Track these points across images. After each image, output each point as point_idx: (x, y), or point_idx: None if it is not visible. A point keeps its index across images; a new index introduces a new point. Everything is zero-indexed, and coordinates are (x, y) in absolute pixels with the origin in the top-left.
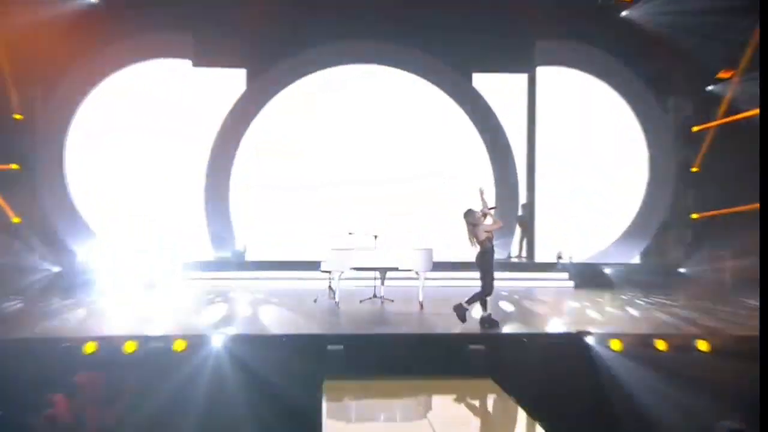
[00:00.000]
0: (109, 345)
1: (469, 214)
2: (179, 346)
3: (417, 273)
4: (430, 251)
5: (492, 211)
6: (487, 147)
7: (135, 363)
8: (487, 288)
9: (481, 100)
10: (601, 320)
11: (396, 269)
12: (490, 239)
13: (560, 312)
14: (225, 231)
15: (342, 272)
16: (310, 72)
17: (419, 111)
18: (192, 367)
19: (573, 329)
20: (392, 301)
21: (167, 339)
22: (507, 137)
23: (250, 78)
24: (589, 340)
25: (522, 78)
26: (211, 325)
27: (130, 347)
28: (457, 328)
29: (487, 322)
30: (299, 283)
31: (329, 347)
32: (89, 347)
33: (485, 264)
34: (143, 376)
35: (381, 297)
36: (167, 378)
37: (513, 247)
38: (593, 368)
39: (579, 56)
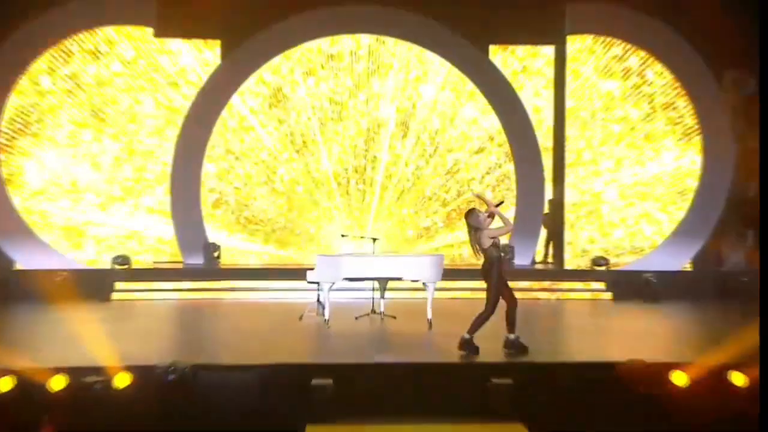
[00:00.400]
0: (29, 380)
1: (471, 216)
2: (122, 381)
3: (424, 284)
4: (440, 258)
5: (499, 209)
6: (506, 132)
7: (62, 404)
8: (490, 308)
9: (499, 76)
10: (655, 345)
11: (399, 280)
12: (496, 246)
13: (602, 332)
14: (195, 231)
15: (332, 283)
16: (296, 44)
17: (425, 89)
18: (137, 409)
19: (621, 357)
20: (394, 317)
21: (106, 372)
22: (530, 120)
23: (226, 51)
24: (645, 372)
25: (548, 50)
26: (166, 352)
27: (57, 383)
28: (478, 356)
29: (514, 346)
30: (284, 295)
31: (314, 382)
32: (2, 384)
33: (492, 278)
34: (74, 421)
35: (381, 313)
36: (105, 422)
37: (538, 251)
38: (651, 409)
39: (618, 22)
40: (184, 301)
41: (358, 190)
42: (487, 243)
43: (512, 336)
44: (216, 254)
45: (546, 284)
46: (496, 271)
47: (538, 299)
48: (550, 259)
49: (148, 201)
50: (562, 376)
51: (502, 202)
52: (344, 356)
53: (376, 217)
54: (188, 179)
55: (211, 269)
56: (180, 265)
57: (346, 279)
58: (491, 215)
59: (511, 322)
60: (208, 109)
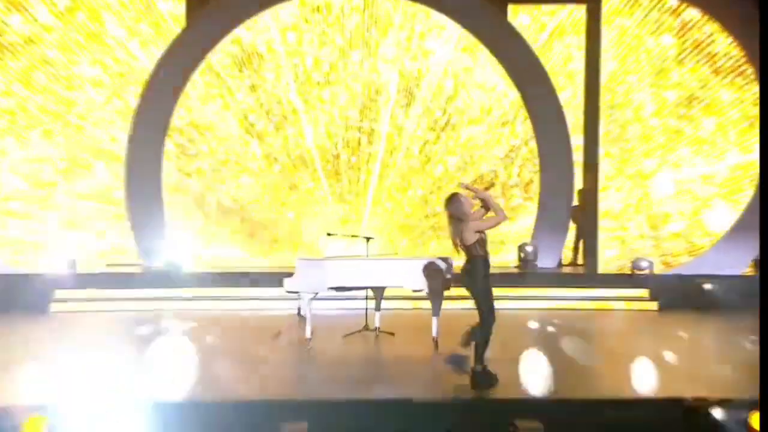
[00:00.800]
0: None
1: (452, 202)
2: (33, 427)
3: (428, 294)
4: (447, 261)
5: (488, 193)
6: (528, 108)
7: None
8: (488, 321)
9: (519, 41)
10: (721, 374)
11: (399, 287)
12: (482, 243)
13: (650, 356)
14: (156, 230)
15: (315, 294)
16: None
17: (435, 47)
18: None
19: (678, 391)
20: (393, 334)
21: (14, 414)
22: (554, 92)
23: (192, 12)
24: (712, 412)
25: (579, 10)
26: (97, 385)
27: None
28: (496, 387)
29: (482, 378)
30: (261, 305)
31: (288, 429)
32: None
33: (476, 282)
34: None
35: (376, 329)
36: None
37: (566, 251)
38: None
39: None
40: (140, 312)
41: (351, 169)
42: (471, 238)
43: (478, 366)
44: (180, 257)
45: (575, 291)
46: (481, 274)
47: (566, 310)
48: (580, 261)
49: (87, 186)
50: (605, 416)
51: (491, 185)
52: (327, 389)
53: (374, 201)
54: (147, 163)
55: (173, 275)
56: (137, 269)
57: (332, 289)
58: (485, 206)
59: (479, 350)
60: (172, 78)
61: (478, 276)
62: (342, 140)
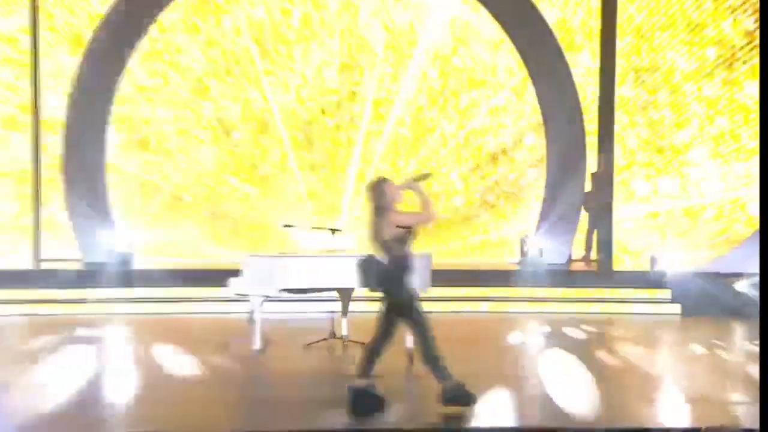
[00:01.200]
0: None
1: (375, 189)
2: None
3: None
4: (426, 258)
5: (421, 184)
6: (535, 84)
7: None
8: (387, 331)
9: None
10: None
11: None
12: (402, 240)
13: (676, 372)
14: (98, 219)
15: (265, 297)
16: None
17: (426, 7)
18: None
19: (705, 418)
20: (363, 344)
21: None
22: (562, 53)
23: None
24: None
25: None
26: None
27: None
28: (482, 412)
29: (364, 398)
30: (216, 308)
31: None
32: None
33: (391, 283)
34: None
35: (343, 337)
36: None
37: (576, 245)
38: None
39: None
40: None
41: (329, 138)
42: (388, 233)
43: (362, 382)
44: (125, 249)
45: (583, 292)
46: (398, 278)
47: (572, 314)
48: (593, 256)
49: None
50: None
51: (427, 175)
52: (279, 417)
53: (358, 179)
54: (89, 137)
55: (127, 272)
56: (75, 265)
57: (286, 291)
58: (423, 198)
59: (369, 361)
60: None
61: (394, 281)
62: (317, 106)
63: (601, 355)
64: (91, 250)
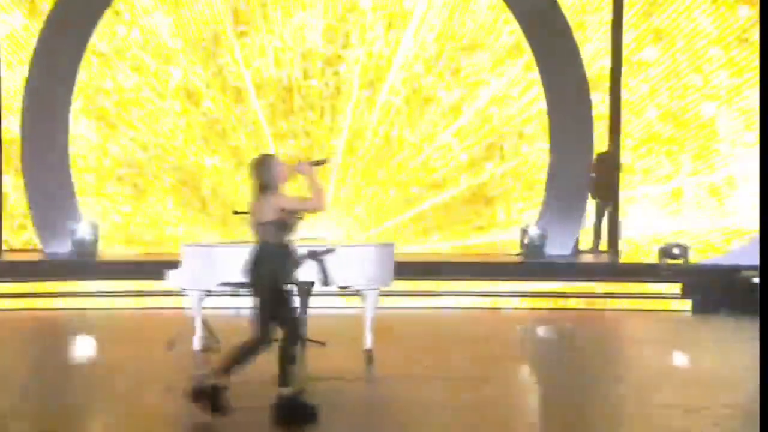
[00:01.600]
0: None
1: (259, 166)
2: None
3: (360, 292)
4: (383, 248)
5: (314, 170)
6: (538, 63)
7: None
8: (264, 333)
9: None
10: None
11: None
12: (285, 225)
13: (669, 381)
14: (58, 199)
15: (206, 292)
16: None
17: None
18: None
19: None
20: (323, 344)
21: None
22: (575, 44)
23: None
24: None
25: None
26: None
27: None
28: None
29: (292, 413)
30: (162, 302)
31: None
32: None
33: (263, 279)
34: None
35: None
36: None
37: (582, 234)
38: None
39: None
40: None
41: (311, 106)
42: (268, 214)
43: (285, 390)
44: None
45: (586, 286)
46: (272, 269)
47: (573, 310)
48: (601, 246)
49: None
50: None
51: (324, 161)
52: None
53: (347, 151)
54: (51, 105)
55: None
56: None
57: (227, 285)
58: (310, 182)
59: (279, 363)
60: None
61: (265, 272)
62: (298, 71)
63: (586, 357)
64: (50, 236)
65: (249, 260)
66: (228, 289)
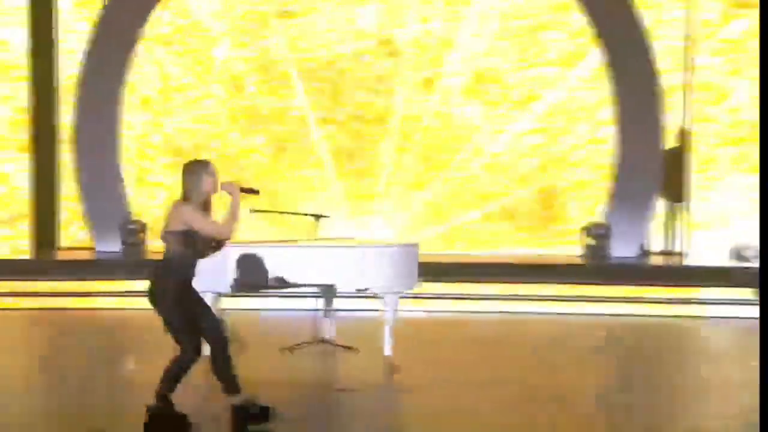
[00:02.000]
0: None
1: (191, 171)
2: None
3: (378, 295)
4: (407, 249)
5: (239, 195)
6: (606, 49)
7: None
8: (189, 347)
9: None
10: None
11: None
12: (189, 240)
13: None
14: (112, 193)
15: (216, 294)
16: None
17: None
18: None
19: None
20: (352, 349)
21: None
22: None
23: None
24: None
25: None
26: None
27: None
28: None
29: (251, 418)
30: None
31: None
32: None
33: (163, 294)
34: None
35: (331, 341)
36: None
37: (649, 234)
38: None
39: None
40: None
41: (363, 90)
42: (176, 225)
43: (236, 398)
44: (139, 236)
45: (662, 293)
46: (169, 283)
47: (634, 317)
48: (673, 247)
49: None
50: None
51: (254, 191)
52: None
53: (403, 137)
54: (105, 94)
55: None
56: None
57: (243, 286)
58: (243, 198)
59: (219, 374)
60: None
61: (163, 283)
62: (351, 53)
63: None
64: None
65: (150, 277)
66: (247, 290)
